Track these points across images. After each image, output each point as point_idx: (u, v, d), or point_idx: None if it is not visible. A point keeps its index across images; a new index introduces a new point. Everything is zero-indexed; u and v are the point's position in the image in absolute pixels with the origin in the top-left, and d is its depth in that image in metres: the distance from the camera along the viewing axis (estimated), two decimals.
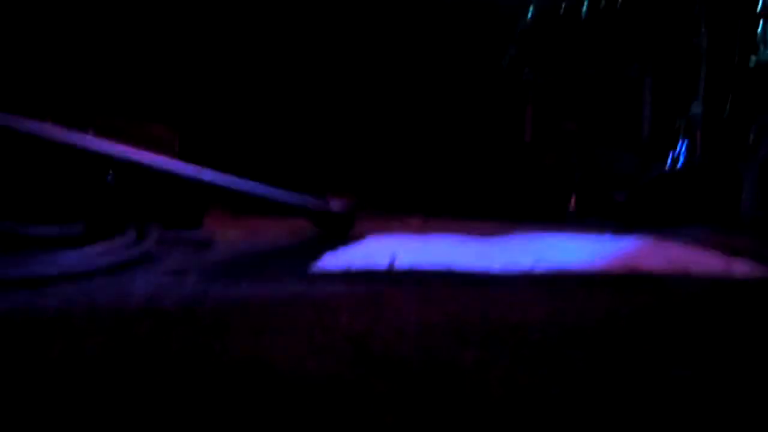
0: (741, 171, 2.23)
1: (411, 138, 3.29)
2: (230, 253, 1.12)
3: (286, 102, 3.11)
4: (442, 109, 3.35)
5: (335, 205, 1.52)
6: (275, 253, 1.17)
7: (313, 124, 3.12)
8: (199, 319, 0.55)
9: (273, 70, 3.09)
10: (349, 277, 0.84)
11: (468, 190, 3.10)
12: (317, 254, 1.05)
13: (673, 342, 0.48)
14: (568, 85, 3.21)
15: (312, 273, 0.88)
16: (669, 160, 2.87)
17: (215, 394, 0.33)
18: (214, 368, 0.38)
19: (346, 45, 3.13)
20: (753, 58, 2.37)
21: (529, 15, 3.19)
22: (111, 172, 1.16)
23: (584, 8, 3.04)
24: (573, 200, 2.77)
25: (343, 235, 1.47)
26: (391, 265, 0.97)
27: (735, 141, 2.52)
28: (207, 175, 1.19)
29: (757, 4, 2.56)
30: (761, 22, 2.37)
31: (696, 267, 0.88)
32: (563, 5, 3.15)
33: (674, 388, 0.36)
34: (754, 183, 2.12)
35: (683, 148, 2.85)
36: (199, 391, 0.34)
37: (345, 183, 2.16)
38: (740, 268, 0.88)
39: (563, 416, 0.31)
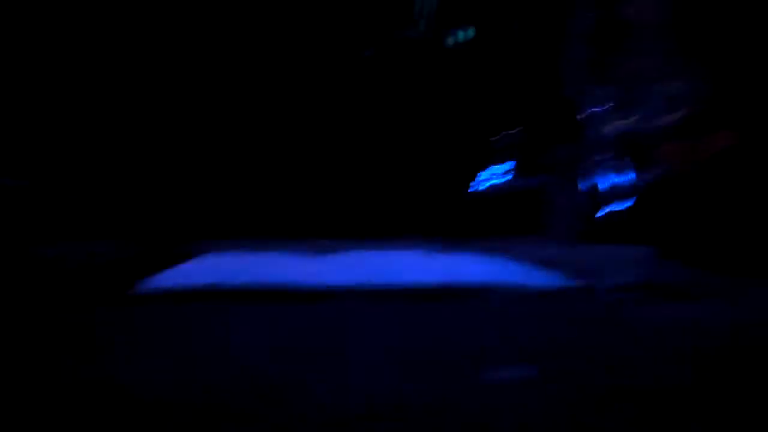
0: (549, 190, 2.46)
1: (246, 156, 3.24)
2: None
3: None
4: (278, 129, 3.34)
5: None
6: (97, 270, 1.10)
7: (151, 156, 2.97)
8: None
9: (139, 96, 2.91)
10: (179, 295, 0.81)
11: (308, 208, 3.11)
12: (144, 272, 1.00)
13: (487, 348, 0.52)
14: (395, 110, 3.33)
15: (136, 293, 0.84)
16: (489, 179, 3.08)
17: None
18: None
19: (218, 72, 3.03)
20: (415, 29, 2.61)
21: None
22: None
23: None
24: (405, 217, 2.87)
25: (174, 252, 1.41)
26: (226, 282, 0.95)
27: (545, 163, 2.76)
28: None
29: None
30: None
31: (515, 278, 0.96)
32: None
33: (483, 391, 0.39)
34: (559, 201, 2.34)
35: (502, 168, 3.07)
36: None
37: (185, 205, 2.08)
38: (549, 279, 0.97)
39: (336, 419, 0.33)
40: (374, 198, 3.11)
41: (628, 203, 2.29)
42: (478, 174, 3.30)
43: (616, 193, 2.26)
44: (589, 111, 2.50)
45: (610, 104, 2.49)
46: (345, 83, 3.34)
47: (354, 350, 0.52)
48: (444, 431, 0.34)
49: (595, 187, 2.30)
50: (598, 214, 2.26)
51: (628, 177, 2.36)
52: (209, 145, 3.04)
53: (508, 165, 3.04)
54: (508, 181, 3.02)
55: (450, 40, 3.29)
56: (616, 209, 2.24)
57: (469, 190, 3.04)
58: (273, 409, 0.36)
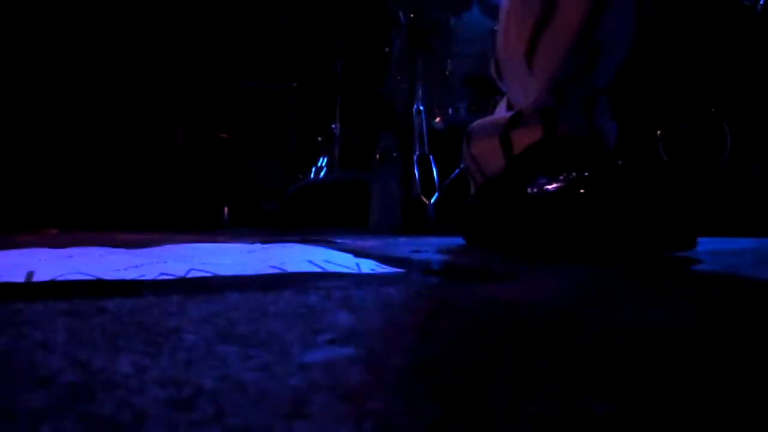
0: (369, 183, 2.55)
1: (41, 141, 3.00)
2: None
3: None
4: (80, 111, 3.13)
5: None
6: None
7: None
8: None
9: None
10: None
11: (114, 199, 2.95)
12: None
13: (319, 326, 0.54)
14: (221, 94, 3.28)
15: None
16: (312, 172, 3.13)
17: None
18: None
19: None
20: None
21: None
22: None
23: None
24: (226, 209, 2.83)
25: None
26: (28, 278, 0.89)
27: (365, 157, 2.86)
28: None
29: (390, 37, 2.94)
30: None
31: (336, 267, 1.00)
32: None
33: (303, 370, 0.42)
34: (378, 194, 2.44)
35: (324, 162, 3.14)
36: None
37: None
38: (367, 265, 1.02)
39: (214, 412, 0.34)
40: (194, 190, 3.03)
41: (443, 196, 2.44)
42: (302, 167, 3.32)
43: (432, 187, 2.39)
44: (408, 107, 2.63)
45: (429, 102, 2.63)
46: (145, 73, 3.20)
47: (182, 339, 0.52)
48: (266, 402, 0.36)
49: (414, 180, 2.42)
50: (418, 207, 2.38)
51: (442, 171, 2.51)
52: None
53: (332, 158, 3.10)
54: (332, 174, 3.08)
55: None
56: (433, 201, 2.37)
57: (291, 183, 3.06)
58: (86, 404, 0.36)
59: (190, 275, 0.94)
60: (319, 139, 3.24)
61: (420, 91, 2.55)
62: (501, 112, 1.47)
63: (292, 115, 3.51)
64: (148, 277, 0.92)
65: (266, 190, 3.07)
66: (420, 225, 2.34)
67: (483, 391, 0.37)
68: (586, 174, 1.13)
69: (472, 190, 1.53)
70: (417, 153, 2.42)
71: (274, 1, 3.47)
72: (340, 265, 1.02)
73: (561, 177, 1.17)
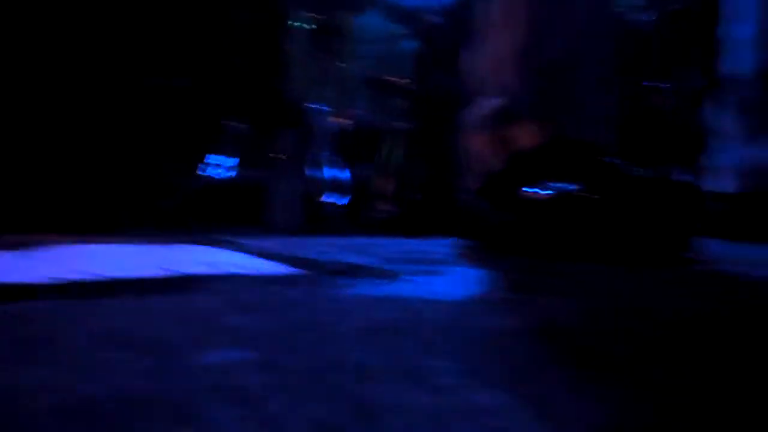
0: (268, 182, 2.53)
1: None
2: None
3: None
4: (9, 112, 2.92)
5: None
6: None
7: None
8: None
9: None
10: None
11: (1, 199, 2.77)
12: None
13: (214, 329, 0.54)
14: (116, 90, 3.13)
15: None
16: (210, 170, 3.05)
17: None
18: None
19: None
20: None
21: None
22: None
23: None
24: (121, 209, 2.71)
25: None
26: None
27: (265, 155, 2.82)
28: None
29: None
30: None
31: (235, 268, 0.98)
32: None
33: (199, 373, 0.42)
34: (278, 193, 2.42)
35: (223, 160, 3.07)
36: None
37: None
38: (270, 267, 1.02)
39: (156, 408, 0.34)
40: (84, 190, 2.89)
41: (347, 196, 2.45)
42: (199, 165, 3.24)
43: (336, 186, 2.40)
44: (311, 107, 2.62)
45: (332, 101, 2.63)
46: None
47: (67, 345, 0.50)
48: (157, 408, 0.35)
49: (316, 179, 2.42)
50: (320, 207, 2.38)
51: (347, 170, 2.53)
52: None
53: (231, 157, 3.04)
54: (231, 173, 3.02)
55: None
56: (336, 202, 2.38)
57: (189, 182, 2.98)
58: None
59: (77, 278, 0.90)
60: (218, 136, 3.17)
61: (321, 91, 2.55)
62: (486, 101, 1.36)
63: (190, 112, 3.41)
64: (34, 280, 0.88)
65: (164, 189, 2.97)
66: (321, 224, 2.34)
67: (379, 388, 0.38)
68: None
69: (471, 183, 1.42)
70: (319, 152, 2.42)
71: None
72: (238, 265, 1.01)
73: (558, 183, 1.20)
